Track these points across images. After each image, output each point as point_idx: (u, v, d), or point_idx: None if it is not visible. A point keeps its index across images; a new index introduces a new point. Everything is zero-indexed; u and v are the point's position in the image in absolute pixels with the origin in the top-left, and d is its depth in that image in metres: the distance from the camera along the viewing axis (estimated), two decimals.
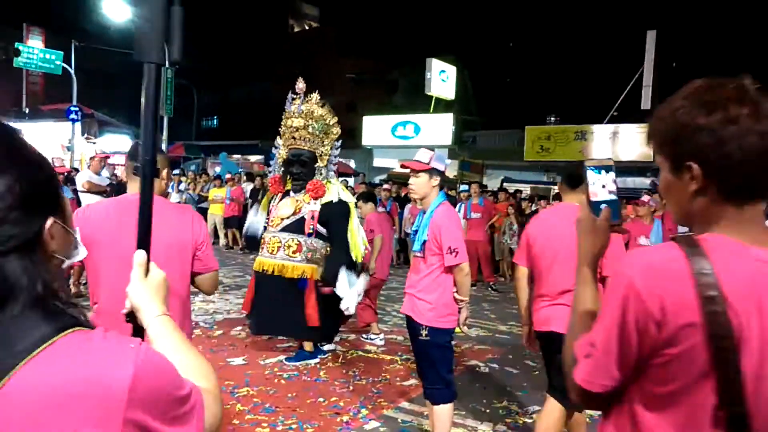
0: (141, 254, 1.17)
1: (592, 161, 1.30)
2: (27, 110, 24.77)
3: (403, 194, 12.75)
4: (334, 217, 5.31)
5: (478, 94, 28.72)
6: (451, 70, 21.56)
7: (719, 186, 1.10)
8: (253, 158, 25.71)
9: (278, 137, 5.65)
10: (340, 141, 5.63)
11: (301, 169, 5.39)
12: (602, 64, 26.70)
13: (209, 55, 38.14)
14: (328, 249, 5.36)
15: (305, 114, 5.42)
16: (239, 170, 18.16)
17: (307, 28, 47.29)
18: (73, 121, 19.71)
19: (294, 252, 5.25)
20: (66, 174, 10.96)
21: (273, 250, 5.29)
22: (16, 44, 20.56)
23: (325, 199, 5.32)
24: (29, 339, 0.79)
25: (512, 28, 35.66)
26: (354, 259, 5.38)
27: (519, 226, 11.17)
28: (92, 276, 2.46)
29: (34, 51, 20.74)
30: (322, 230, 5.31)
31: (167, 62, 1.28)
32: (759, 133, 1.05)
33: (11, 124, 0.98)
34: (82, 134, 20.48)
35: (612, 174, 1.28)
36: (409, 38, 35.35)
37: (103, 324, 0.89)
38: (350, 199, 5.55)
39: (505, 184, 16.81)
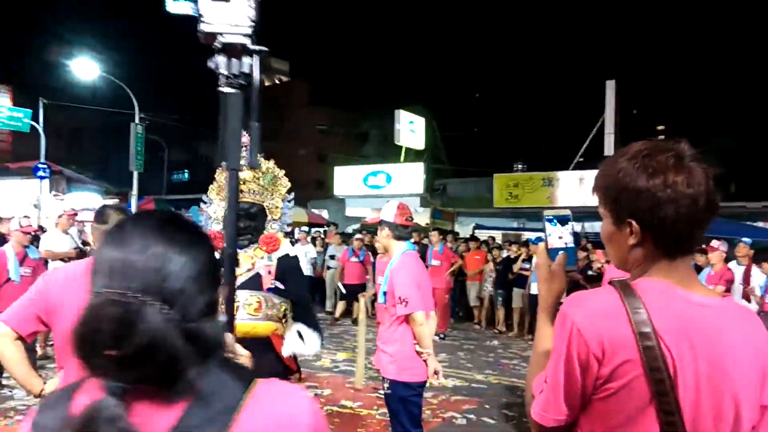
0: (229, 337, 1.34)
1: (549, 211, 1.39)
2: None
3: (376, 244, 12.78)
4: (291, 272, 5.21)
5: (447, 143, 29.27)
6: (419, 121, 21.95)
7: (655, 241, 1.21)
8: None
9: (210, 192, 5.58)
10: (293, 194, 5.62)
11: (249, 223, 5.24)
12: (566, 113, 27.57)
13: (179, 110, 38.32)
14: (284, 306, 5.29)
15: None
16: None
17: (277, 82, 47.96)
18: (41, 178, 19.45)
19: (255, 310, 5.13)
20: (33, 234, 10.67)
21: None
22: None
23: (279, 253, 5.26)
24: (234, 391, 0.93)
25: (478, 80, 36.78)
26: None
27: (496, 272, 11.27)
28: (60, 341, 2.41)
29: (0, 109, 20.56)
30: (280, 285, 5.23)
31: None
32: (691, 197, 1.16)
33: None
34: (50, 191, 20.18)
35: (568, 224, 1.36)
36: (378, 90, 36.19)
37: None
38: (296, 252, 5.58)
39: (476, 231, 16.94)
